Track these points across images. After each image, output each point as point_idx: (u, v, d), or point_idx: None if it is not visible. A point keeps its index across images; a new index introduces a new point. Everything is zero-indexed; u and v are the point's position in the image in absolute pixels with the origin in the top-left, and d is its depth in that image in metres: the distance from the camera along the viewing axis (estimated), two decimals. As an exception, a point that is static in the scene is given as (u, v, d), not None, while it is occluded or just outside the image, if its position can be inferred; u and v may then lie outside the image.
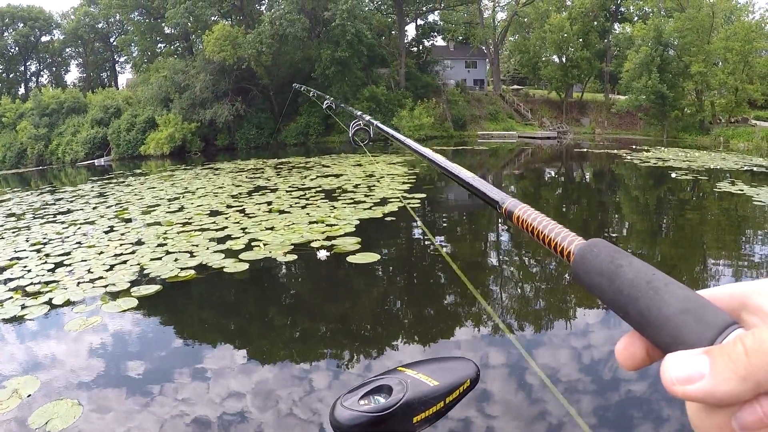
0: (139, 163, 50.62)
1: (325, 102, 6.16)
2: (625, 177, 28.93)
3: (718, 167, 28.08)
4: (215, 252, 12.56)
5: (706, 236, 15.27)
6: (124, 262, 12.34)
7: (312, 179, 25.64)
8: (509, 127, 63.28)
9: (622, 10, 71.62)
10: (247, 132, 60.23)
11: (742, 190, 20.08)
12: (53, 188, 32.16)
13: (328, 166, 31.62)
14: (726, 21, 58.50)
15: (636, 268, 0.65)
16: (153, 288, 10.36)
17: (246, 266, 11.31)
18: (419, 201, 19.30)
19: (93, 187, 30.12)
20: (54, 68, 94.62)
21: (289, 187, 23.39)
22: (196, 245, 13.37)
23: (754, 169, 27.40)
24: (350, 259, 11.67)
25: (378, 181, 23.58)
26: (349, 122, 3.36)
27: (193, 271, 11.16)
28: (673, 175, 25.08)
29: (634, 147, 42.25)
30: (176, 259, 12.16)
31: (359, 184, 22.86)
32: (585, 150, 44.81)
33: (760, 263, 12.10)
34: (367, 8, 66.31)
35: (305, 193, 21.12)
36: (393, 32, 69.95)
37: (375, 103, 58.00)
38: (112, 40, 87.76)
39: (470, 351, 7.55)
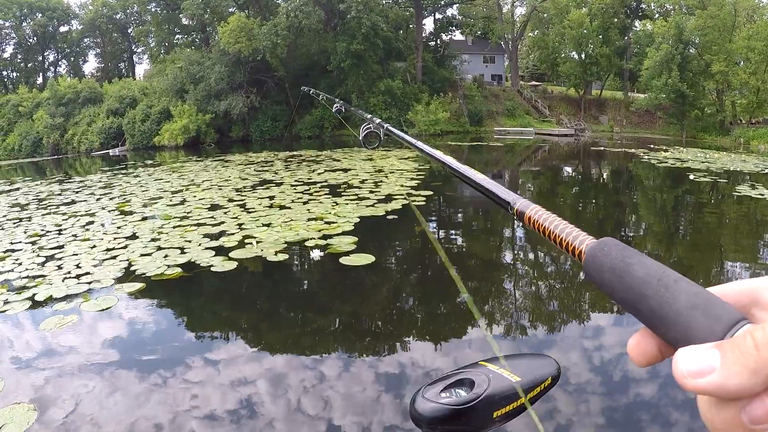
0: (153, 154, 50.51)
1: (335, 106, 5.90)
2: (642, 177, 28.42)
3: (738, 169, 27.46)
4: (206, 249, 12.15)
5: (723, 240, 14.91)
6: (114, 257, 11.98)
7: (319, 173, 25.28)
8: (526, 123, 62.68)
9: (643, 6, 70.90)
10: (262, 124, 60.11)
11: (763, 195, 19.52)
12: (63, 178, 31.95)
13: (338, 160, 31.32)
14: (748, 20, 57.80)
15: (646, 266, 0.67)
16: (136, 286, 9.99)
17: (234, 265, 10.87)
18: (425, 198, 18.69)
19: (101, 177, 29.87)
20: (72, 58, 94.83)
21: (295, 181, 23.03)
22: (189, 241, 13.00)
23: (775, 172, 26.81)
24: (343, 260, 11.14)
25: (386, 177, 23.17)
26: (361, 123, 3.24)
27: (179, 269, 10.77)
28: (692, 176, 24.54)
29: (652, 146, 41.72)
30: (166, 256, 11.77)
31: (366, 180, 22.46)
32: (602, 148, 44.35)
33: None
34: (384, 1, 65.93)
35: (310, 188, 20.72)
36: (411, 26, 69.45)
37: (390, 97, 57.65)
38: (129, 30, 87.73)
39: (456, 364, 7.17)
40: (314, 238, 12.67)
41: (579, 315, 9.10)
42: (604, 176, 30.69)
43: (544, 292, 10.44)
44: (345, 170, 26.10)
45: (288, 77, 59.62)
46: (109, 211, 18.20)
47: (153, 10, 74.61)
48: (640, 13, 72.04)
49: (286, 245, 12.21)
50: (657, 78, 55.02)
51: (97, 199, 21.18)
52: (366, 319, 9.08)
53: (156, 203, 19.19)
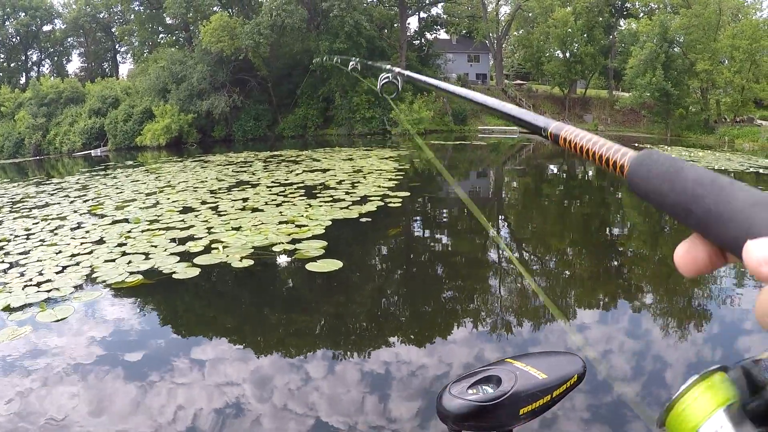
0: (135, 154, 50.26)
1: (351, 64, 5.75)
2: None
3: (723, 168, 27.33)
4: (171, 254, 11.88)
5: None
6: (78, 263, 11.71)
7: (297, 174, 25.02)
8: (510, 122, 62.50)
9: (628, 5, 70.86)
10: (245, 124, 59.62)
11: None
12: (41, 180, 31.65)
13: (318, 160, 31.04)
14: (733, 19, 57.88)
15: (698, 170, 0.66)
16: (94, 294, 9.76)
17: (197, 272, 10.58)
18: (401, 200, 18.22)
19: (79, 179, 29.57)
20: (55, 58, 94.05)
21: (272, 182, 22.74)
22: (155, 246, 12.71)
23: (760, 170, 26.71)
24: (310, 266, 10.80)
25: (364, 178, 22.93)
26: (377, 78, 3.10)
27: (141, 276, 10.51)
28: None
29: (636, 145, 41.54)
30: (129, 262, 11.49)
31: (344, 181, 22.22)
32: (586, 147, 44.12)
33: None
34: (368, 0, 65.77)
35: (285, 189, 20.44)
36: (395, 25, 69.25)
37: (374, 96, 57.37)
38: (113, 30, 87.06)
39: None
40: (282, 243, 12.35)
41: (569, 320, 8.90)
42: (589, 175, 30.58)
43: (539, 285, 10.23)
44: (324, 171, 25.85)
45: (271, 76, 59.30)
46: (81, 215, 17.91)
47: (136, 9, 74.08)
48: (624, 12, 72.02)
49: (252, 250, 11.90)
50: (641, 77, 54.92)
51: (71, 202, 20.90)
52: (329, 329, 8.80)
53: (129, 206, 18.90)
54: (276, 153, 37.63)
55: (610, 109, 65.58)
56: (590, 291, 10.70)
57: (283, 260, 11.20)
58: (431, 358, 7.52)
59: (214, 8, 62.21)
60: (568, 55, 66.11)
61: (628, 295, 10.43)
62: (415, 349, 7.81)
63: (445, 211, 19.46)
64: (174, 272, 10.61)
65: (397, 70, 3.05)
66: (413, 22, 78.22)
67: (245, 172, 27.21)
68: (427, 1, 71.24)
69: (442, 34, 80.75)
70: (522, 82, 78.74)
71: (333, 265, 10.86)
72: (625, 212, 18.98)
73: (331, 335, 8.53)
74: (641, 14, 67.23)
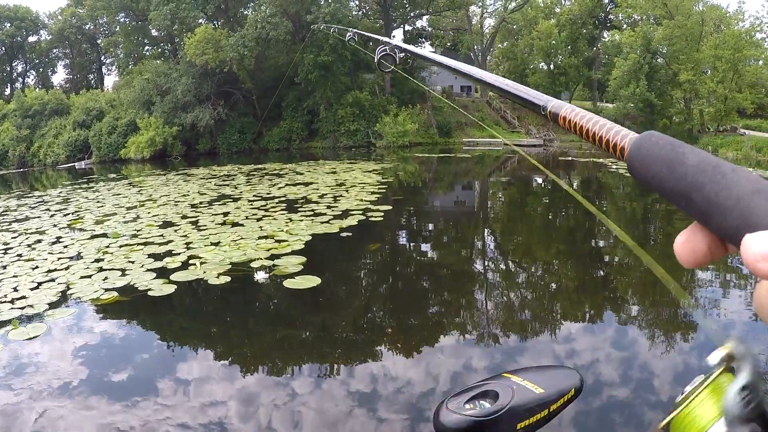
0: (119, 167, 50.17)
1: (347, 35, 5.77)
2: (611, 186, 28.43)
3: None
4: (148, 270, 11.77)
5: None
6: (53, 279, 11.61)
7: (280, 188, 24.99)
8: (499, 135, 62.63)
9: (611, 17, 71.22)
10: (229, 136, 59.41)
11: None
12: (22, 193, 31.50)
13: (301, 174, 31.01)
14: (716, 29, 58.26)
15: (700, 154, 0.64)
16: (68, 312, 9.67)
17: (173, 289, 10.49)
18: (382, 215, 18.04)
19: (61, 192, 29.45)
20: (41, 69, 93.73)
21: (254, 196, 22.68)
22: (132, 262, 12.62)
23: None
24: (287, 283, 10.65)
25: (346, 191, 22.88)
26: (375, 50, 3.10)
27: (116, 294, 10.42)
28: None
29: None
30: (105, 278, 11.39)
31: (326, 194, 22.17)
32: (571, 158, 44.35)
33: (749, 275, 11.64)
34: (353, 13, 65.84)
35: (267, 203, 20.38)
36: (351, 43, 69.21)
37: (359, 109, 57.34)
38: (98, 41, 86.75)
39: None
40: (261, 259, 12.27)
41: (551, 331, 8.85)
42: (574, 186, 30.63)
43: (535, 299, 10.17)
44: (306, 184, 25.79)
45: (255, 89, 59.17)
46: (60, 229, 17.80)
47: (121, 20, 73.88)
48: (608, 24, 72.38)
49: (230, 266, 11.80)
50: (625, 88, 55.17)
51: (51, 216, 20.78)
52: (305, 348, 8.68)
53: (109, 220, 18.79)
54: (260, 166, 37.59)
55: (593, 121, 65.74)
56: (576, 302, 10.71)
57: (260, 277, 11.08)
58: (412, 377, 7.42)
59: (200, 20, 62.03)
60: (552, 66, 66.58)
61: (614, 306, 10.50)
62: (395, 367, 7.74)
63: (427, 224, 19.47)
64: (150, 289, 10.51)
65: (394, 43, 3.03)
66: (398, 35, 78.39)
67: (228, 185, 27.14)
68: (412, 14, 71.39)
69: (427, 47, 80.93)
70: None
71: (311, 281, 10.73)
72: (614, 219, 18.96)
73: (308, 354, 8.39)
74: (624, 26, 67.59)
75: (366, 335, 9.21)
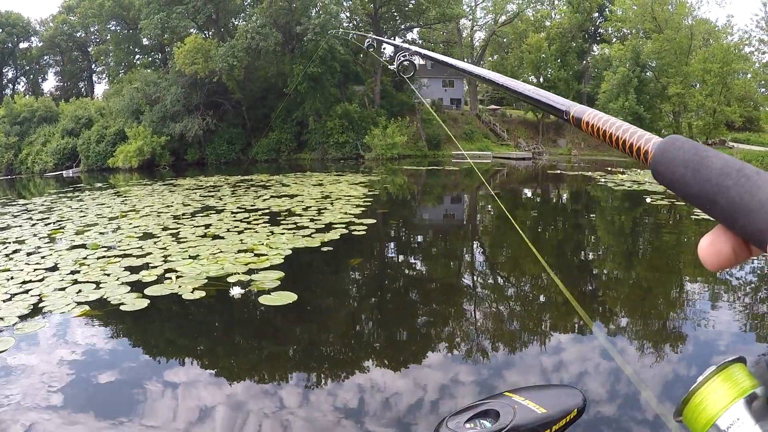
0: (107, 176, 49.95)
1: (366, 41, 5.82)
2: (600, 200, 28.41)
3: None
4: (123, 284, 11.61)
5: (682, 261, 14.82)
6: (27, 291, 11.45)
7: (265, 200, 24.85)
8: (484, 147, 62.53)
9: (601, 31, 71.46)
10: (218, 147, 59.26)
11: None
12: (8, 200, 31.33)
13: (287, 185, 30.90)
14: (704, 43, 58.55)
15: (724, 158, 0.64)
16: (37, 325, 9.51)
17: (146, 304, 10.32)
18: (366, 228, 17.89)
19: (45, 201, 29.25)
20: (31, 76, 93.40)
21: (238, 207, 22.55)
22: (108, 275, 12.46)
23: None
24: (263, 299, 10.49)
25: (331, 204, 22.77)
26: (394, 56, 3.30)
27: (87, 307, 10.27)
28: (648, 199, 24.39)
29: (609, 169, 41.89)
30: (79, 291, 11.23)
31: (310, 207, 22.05)
32: (560, 171, 44.38)
33: (737, 286, 12.04)
34: (344, 24, 65.76)
35: (250, 216, 20.25)
36: (370, 49, 69.29)
37: (348, 121, 57.24)
38: (90, 49, 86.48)
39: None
40: (238, 273, 12.11)
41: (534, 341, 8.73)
42: (564, 199, 30.64)
43: (519, 313, 10.03)
44: (291, 196, 25.68)
45: (245, 100, 59.09)
46: (40, 239, 17.63)
47: (113, 29, 73.70)
48: (598, 38, 72.59)
49: (206, 281, 11.65)
50: (614, 101, 55.42)
51: (33, 225, 20.60)
52: (275, 369, 8.52)
53: (89, 231, 18.63)
54: (247, 177, 37.44)
55: (583, 133, 65.60)
56: (566, 314, 10.65)
57: (235, 292, 10.80)
58: (390, 399, 7.27)
59: (191, 30, 61.88)
60: (541, 80, 66.76)
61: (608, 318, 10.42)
62: (371, 390, 7.53)
63: (412, 239, 19.34)
64: (122, 303, 10.35)
65: (414, 49, 3.18)
66: (388, 48, 78.35)
67: (213, 196, 27.00)
68: (402, 27, 71.33)
69: (417, 59, 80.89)
70: (496, 107, 79.01)
71: (287, 298, 10.55)
72: (599, 237, 18.97)
73: (278, 373, 8.23)
74: (614, 39, 67.81)
75: (342, 355, 9.02)
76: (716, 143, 54.93)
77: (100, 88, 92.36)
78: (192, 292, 10.91)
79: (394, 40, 72.89)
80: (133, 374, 8.09)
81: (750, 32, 54.57)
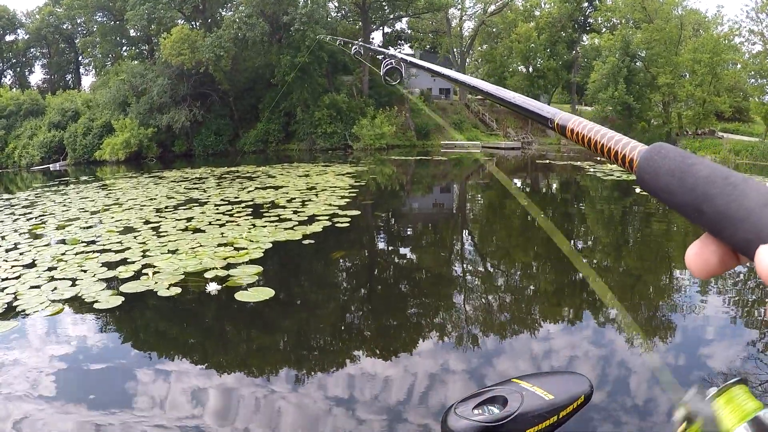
0: (94, 169, 49.52)
1: (353, 47, 5.73)
2: (589, 189, 28.41)
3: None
4: (99, 280, 11.42)
5: (672, 252, 14.89)
6: (2, 290, 11.24)
7: (249, 191, 24.64)
8: (473, 137, 62.42)
9: (590, 21, 71.39)
10: (205, 138, 58.87)
11: None
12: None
13: (273, 177, 30.69)
14: (694, 33, 58.58)
15: (710, 166, 0.64)
16: (9, 325, 9.33)
17: (120, 301, 10.13)
18: (349, 220, 17.68)
19: (29, 195, 28.97)
20: (18, 68, 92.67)
21: (221, 200, 22.33)
22: (85, 271, 12.25)
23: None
24: (239, 295, 10.24)
25: (316, 196, 22.59)
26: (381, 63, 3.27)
27: (61, 305, 10.09)
28: (638, 189, 24.31)
29: (598, 159, 41.84)
30: (55, 289, 11.02)
31: (295, 198, 21.87)
32: (548, 161, 44.36)
33: (725, 275, 11.98)
34: (332, 14, 65.53)
35: (233, 208, 20.05)
36: (359, 39, 69.05)
37: (336, 111, 56.96)
38: (76, 41, 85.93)
39: None
40: (216, 268, 11.90)
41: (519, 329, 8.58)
42: (553, 188, 30.59)
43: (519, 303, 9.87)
44: (277, 188, 25.49)
45: (232, 90, 58.64)
46: (20, 234, 17.40)
47: (99, 20, 73.15)
48: (587, 28, 72.51)
49: (183, 276, 11.47)
50: (603, 91, 55.45)
51: (14, 220, 20.36)
52: (247, 369, 8.31)
53: (71, 225, 18.39)
54: (233, 169, 37.18)
55: (573, 123, 65.92)
56: (555, 304, 10.67)
57: (211, 288, 10.57)
58: (368, 402, 7.12)
59: (179, 21, 61.41)
60: (531, 69, 66.83)
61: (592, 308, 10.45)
62: (350, 390, 7.31)
63: (396, 231, 19.13)
64: (96, 301, 10.16)
65: (401, 55, 3.16)
66: (377, 37, 78.18)
67: (197, 189, 26.75)
68: (391, 16, 71.03)
69: (406, 49, 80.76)
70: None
71: (264, 294, 10.36)
72: (589, 225, 18.88)
73: (250, 374, 8.01)
74: (604, 29, 67.79)
75: (317, 354, 8.77)
76: (705, 133, 55.00)
77: (88, 81, 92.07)
78: (168, 288, 10.72)
79: (383, 29, 73.10)
80: (99, 376, 7.89)
81: (740, 23, 54.51)
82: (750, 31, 53.66)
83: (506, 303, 10.96)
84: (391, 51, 3.33)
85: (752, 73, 53.38)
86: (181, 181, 31.14)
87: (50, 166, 57.88)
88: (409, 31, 78.68)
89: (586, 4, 70.06)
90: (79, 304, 10.18)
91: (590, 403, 3.27)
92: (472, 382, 7.24)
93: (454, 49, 72.00)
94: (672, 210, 0.67)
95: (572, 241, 16.30)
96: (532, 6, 70.84)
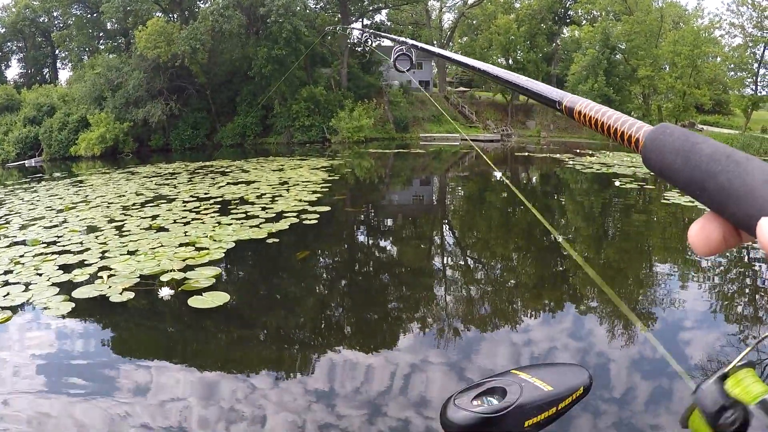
0: (70, 165, 48.93)
1: (364, 35, 5.58)
2: (568, 181, 28.33)
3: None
4: (52, 285, 11.02)
5: (652, 245, 15.06)
6: (-46, 296, 10.87)
7: (220, 187, 24.32)
8: (453, 129, 62.37)
9: (571, 13, 71.52)
10: (182, 132, 58.30)
11: (693, 202, 19.14)
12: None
13: (247, 171, 30.36)
14: (674, 26, 58.93)
15: (713, 145, 0.65)
16: (-50, 335, 9.00)
17: (70, 308, 9.73)
18: (318, 217, 17.27)
19: (-1, 193, 28.53)
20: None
21: (190, 196, 21.96)
22: (40, 274, 11.88)
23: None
24: (192, 301, 9.78)
25: (287, 191, 22.29)
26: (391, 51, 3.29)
27: (10, 312, 9.75)
28: (617, 183, 24.22)
29: (577, 151, 42.02)
30: (6, 294, 10.63)
31: (265, 194, 21.56)
32: (527, 154, 44.40)
33: (707, 267, 12.23)
34: (311, 6, 65.14)
35: (200, 205, 19.68)
36: (338, 31, 68.78)
37: (314, 104, 56.62)
38: (53, 35, 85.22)
39: None
40: (174, 270, 11.52)
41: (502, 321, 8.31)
42: (533, 181, 30.47)
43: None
44: (248, 183, 25.16)
45: (209, 84, 58.09)
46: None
47: (75, 13, 72.47)
48: (567, 20, 72.64)
49: (138, 279, 11.08)
50: (583, 83, 55.61)
51: (-20, 220, 19.95)
52: (191, 385, 7.82)
53: (35, 225, 17.97)
54: (207, 163, 36.74)
55: (552, 115, 65.86)
56: (536, 296, 10.74)
57: (164, 293, 10.18)
58: (328, 418, 6.85)
59: (157, 14, 60.84)
60: (511, 62, 66.63)
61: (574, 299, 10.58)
62: (306, 407, 6.93)
63: (366, 229, 18.76)
64: (47, 308, 9.80)
65: (411, 42, 3.14)
66: (354, 31, 77.85)
67: (168, 185, 26.35)
68: (370, 8, 70.65)
69: (385, 42, 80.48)
70: (465, 89, 78.80)
71: (218, 299, 9.92)
72: (569, 217, 18.74)
73: (193, 392, 7.49)
74: (584, 21, 67.92)
75: (273, 366, 8.26)
76: (686, 126, 55.11)
77: (65, 75, 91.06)
78: (121, 293, 10.29)
79: (362, 21, 72.67)
80: (26, 391, 7.53)
81: (721, 15, 54.90)
82: (731, 24, 54.03)
83: (495, 295, 10.96)
84: (401, 39, 3.26)
85: (732, 66, 53.74)
86: (154, 176, 30.73)
87: (25, 162, 57.20)
88: (389, 23, 78.23)
89: (566, -4, 70.14)
90: (27, 312, 9.84)
91: (590, 394, 3.26)
92: (470, 374, 7.24)
93: (434, 42, 71.75)
94: (676, 188, 0.69)
95: (551, 234, 16.19)
96: (512, -2, 70.90)
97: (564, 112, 1.06)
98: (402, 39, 3.29)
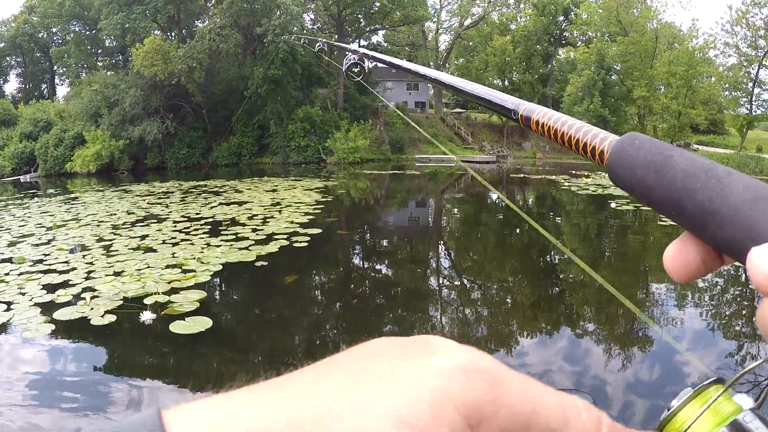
0: (65, 181, 48.80)
1: (317, 45, 5.55)
2: (564, 203, 28.31)
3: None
4: (34, 305, 10.90)
5: (649, 266, 14.80)
6: (-66, 315, 10.73)
7: (212, 207, 24.25)
8: (449, 150, 62.30)
9: (566, 34, 71.70)
10: (178, 151, 58.30)
11: None
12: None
13: (240, 192, 30.25)
14: (669, 47, 58.96)
15: (689, 157, 0.59)
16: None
17: (50, 330, 9.61)
18: (309, 240, 17.10)
19: (-9, 209, 28.35)
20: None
21: (182, 216, 21.87)
22: (23, 294, 11.77)
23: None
24: (174, 326, 9.57)
25: (279, 212, 22.16)
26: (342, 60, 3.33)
27: (-12, 334, 9.64)
28: (613, 204, 24.16)
29: (573, 172, 41.99)
30: (-12, 315, 10.54)
31: (257, 215, 21.44)
32: (523, 175, 44.36)
33: (704, 288, 12.22)
34: (308, 27, 65.20)
35: (191, 225, 19.57)
36: (335, 52, 68.68)
37: (310, 124, 56.61)
38: (52, 50, 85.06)
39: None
40: (158, 293, 11.34)
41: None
42: (528, 202, 30.36)
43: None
44: (241, 203, 25.05)
45: (206, 103, 58.19)
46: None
47: (74, 29, 72.48)
48: (563, 41, 72.90)
49: (122, 302, 10.92)
50: (579, 104, 55.69)
51: (-31, 237, 19.80)
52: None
53: (23, 242, 17.83)
54: (201, 183, 36.62)
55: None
56: (531, 317, 10.70)
57: (146, 317, 9.96)
58: None
59: (155, 32, 60.86)
60: (506, 83, 66.70)
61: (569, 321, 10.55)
62: None
63: (357, 252, 18.59)
64: (27, 330, 9.68)
65: (362, 51, 3.18)
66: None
67: (160, 204, 26.25)
68: (367, 29, 70.80)
69: (368, 63, 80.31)
70: (461, 110, 78.83)
71: (200, 324, 9.70)
72: (565, 239, 18.64)
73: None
74: (579, 43, 68.10)
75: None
76: (681, 145, 55.03)
77: (63, 91, 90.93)
78: (102, 316, 10.14)
79: (359, 42, 72.76)
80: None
81: (715, 35, 54.95)
82: (725, 44, 54.17)
83: (492, 317, 10.99)
84: (354, 46, 3.42)
85: (726, 85, 53.81)
86: (147, 195, 30.64)
87: (21, 177, 57.06)
88: (386, 44, 78.35)
89: (561, 18, 70.35)
90: (7, 333, 9.71)
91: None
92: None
93: (430, 63, 71.85)
94: (648, 207, 0.62)
95: (548, 255, 16.12)
96: (507, 20, 71.07)
97: (521, 122, 1.00)
98: (353, 47, 3.38)
